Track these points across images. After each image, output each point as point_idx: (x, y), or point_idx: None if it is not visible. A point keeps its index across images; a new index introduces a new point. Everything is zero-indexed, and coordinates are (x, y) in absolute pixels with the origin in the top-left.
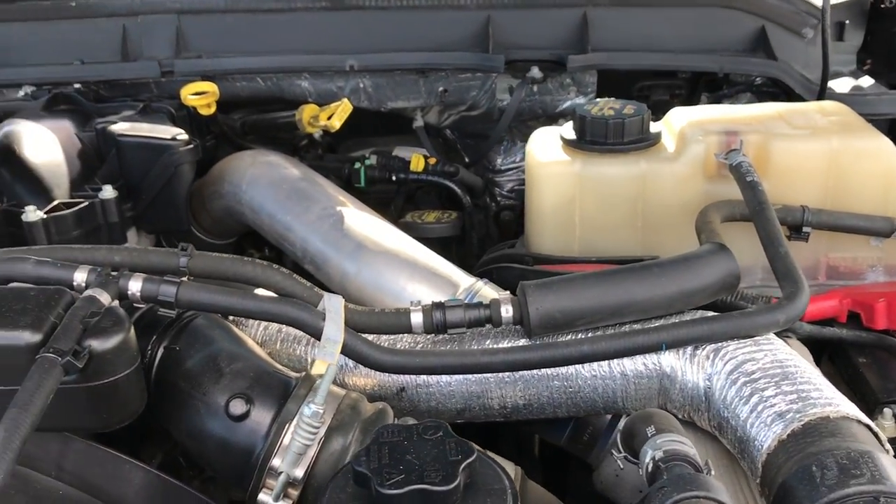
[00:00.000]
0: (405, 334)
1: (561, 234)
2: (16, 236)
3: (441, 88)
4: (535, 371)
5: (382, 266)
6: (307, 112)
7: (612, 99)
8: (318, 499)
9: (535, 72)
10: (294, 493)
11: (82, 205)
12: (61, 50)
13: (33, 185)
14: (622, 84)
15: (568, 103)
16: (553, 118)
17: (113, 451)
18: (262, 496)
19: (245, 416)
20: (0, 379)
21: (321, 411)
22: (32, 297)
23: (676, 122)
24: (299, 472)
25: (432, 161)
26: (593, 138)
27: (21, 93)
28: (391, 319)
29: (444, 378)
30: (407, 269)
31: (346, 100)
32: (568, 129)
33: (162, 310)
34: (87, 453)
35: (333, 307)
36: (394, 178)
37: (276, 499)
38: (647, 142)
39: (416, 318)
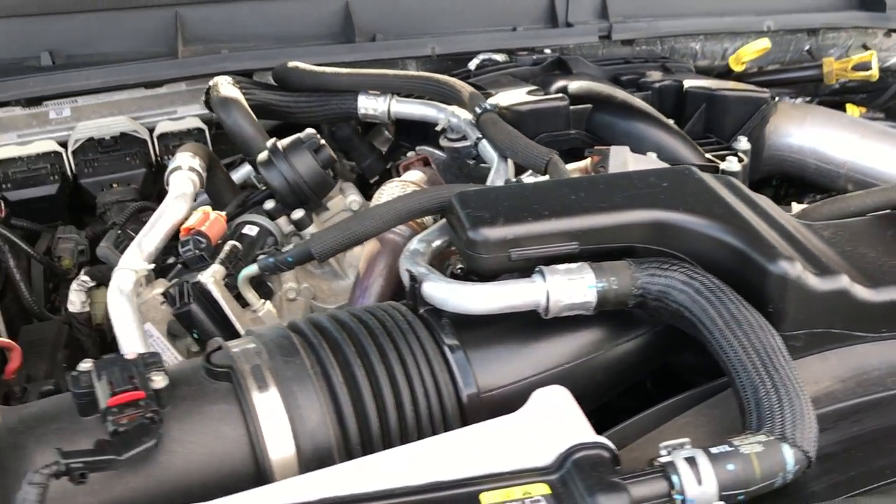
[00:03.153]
0: None
1: None
2: None
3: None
4: None
5: None
6: (837, 65)
7: None
8: None
9: None
10: None
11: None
12: (494, 17)
13: (684, 141)
14: None
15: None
16: None
17: None
18: None
19: None
20: None
21: None
22: None
23: None
24: None
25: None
26: None
27: (475, 61)
28: None
29: None
30: None
31: (873, 51)
32: None
33: None
34: None
35: None
36: None
37: None
38: None
39: None
